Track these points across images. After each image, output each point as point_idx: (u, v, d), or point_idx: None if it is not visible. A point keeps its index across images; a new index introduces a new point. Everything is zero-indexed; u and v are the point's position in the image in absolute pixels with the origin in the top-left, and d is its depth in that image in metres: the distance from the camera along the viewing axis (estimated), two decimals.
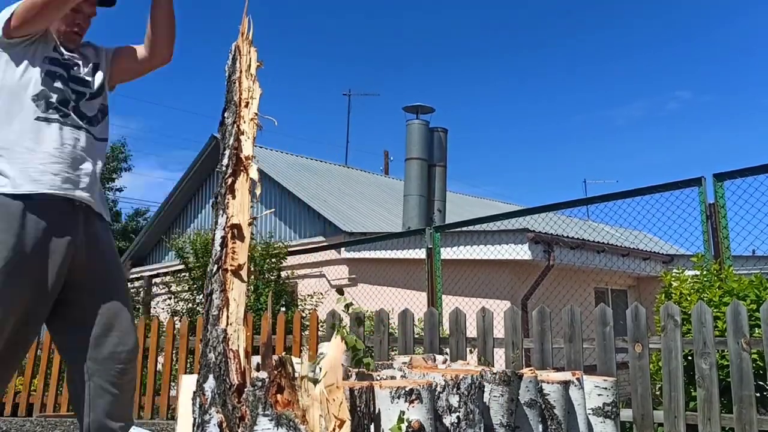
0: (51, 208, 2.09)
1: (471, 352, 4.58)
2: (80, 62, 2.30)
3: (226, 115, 2.29)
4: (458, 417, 2.05)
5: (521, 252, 8.40)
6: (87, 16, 2.35)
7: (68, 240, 2.12)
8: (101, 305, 2.18)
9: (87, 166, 2.20)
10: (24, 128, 2.10)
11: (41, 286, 2.06)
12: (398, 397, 1.89)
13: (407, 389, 1.89)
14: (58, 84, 2.19)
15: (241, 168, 2.15)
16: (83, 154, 2.19)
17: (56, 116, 2.15)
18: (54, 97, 2.17)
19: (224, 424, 1.72)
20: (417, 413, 1.88)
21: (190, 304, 8.91)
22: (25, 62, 2.16)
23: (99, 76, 2.35)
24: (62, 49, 2.26)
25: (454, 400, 2.06)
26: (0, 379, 2.15)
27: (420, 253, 7.96)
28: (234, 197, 2.10)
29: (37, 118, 2.12)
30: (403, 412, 1.87)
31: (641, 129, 71.35)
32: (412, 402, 1.88)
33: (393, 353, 4.74)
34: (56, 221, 2.10)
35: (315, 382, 1.69)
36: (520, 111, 71.93)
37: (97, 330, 2.16)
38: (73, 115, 2.19)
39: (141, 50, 2.45)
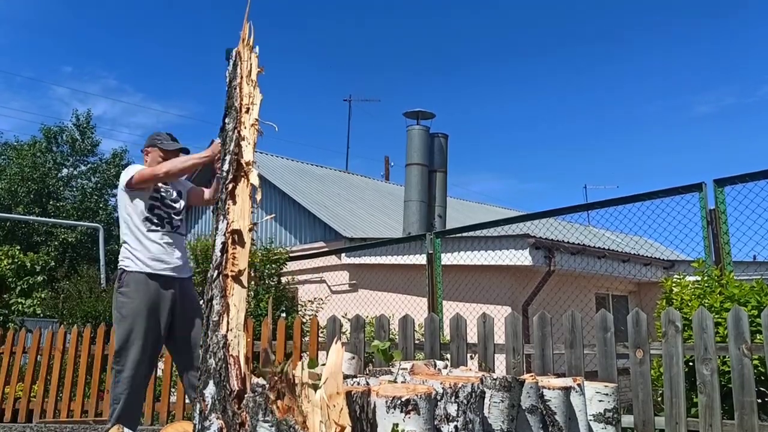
0: (158, 278, 3.48)
1: (472, 357, 4.57)
2: (173, 191, 3.71)
3: (226, 120, 2.30)
4: (456, 426, 1.98)
5: (522, 257, 8.40)
6: None
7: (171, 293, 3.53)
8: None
9: (176, 253, 3.60)
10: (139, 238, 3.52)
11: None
12: (394, 408, 1.81)
13: (403, 399, 1.81)
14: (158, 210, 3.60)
15: (242, 173, 2.15)
16: (173, 247, 3.59)
17: (157, 228, 3.56)
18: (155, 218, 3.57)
19: (224, 431, 1.72)
20: (413, 424, 1.80)
21: None
22: (137, 199, 3.53)
23: (182, 201, 3.76)
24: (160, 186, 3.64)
25: (452, 409, 2.00)
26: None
27: (420, 259, 7.95)
28: (234, 203, 2.10)
29: (148, 230, 3.53)
30: (396, 425, 1.79)
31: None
32: (408, 413, 1.80)
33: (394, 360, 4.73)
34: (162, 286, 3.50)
35: (315, 388, 1.69)
36: (520, 114, 71.63)
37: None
38: (167, 225, 3.59)
39: (206, 194, 3.89)
